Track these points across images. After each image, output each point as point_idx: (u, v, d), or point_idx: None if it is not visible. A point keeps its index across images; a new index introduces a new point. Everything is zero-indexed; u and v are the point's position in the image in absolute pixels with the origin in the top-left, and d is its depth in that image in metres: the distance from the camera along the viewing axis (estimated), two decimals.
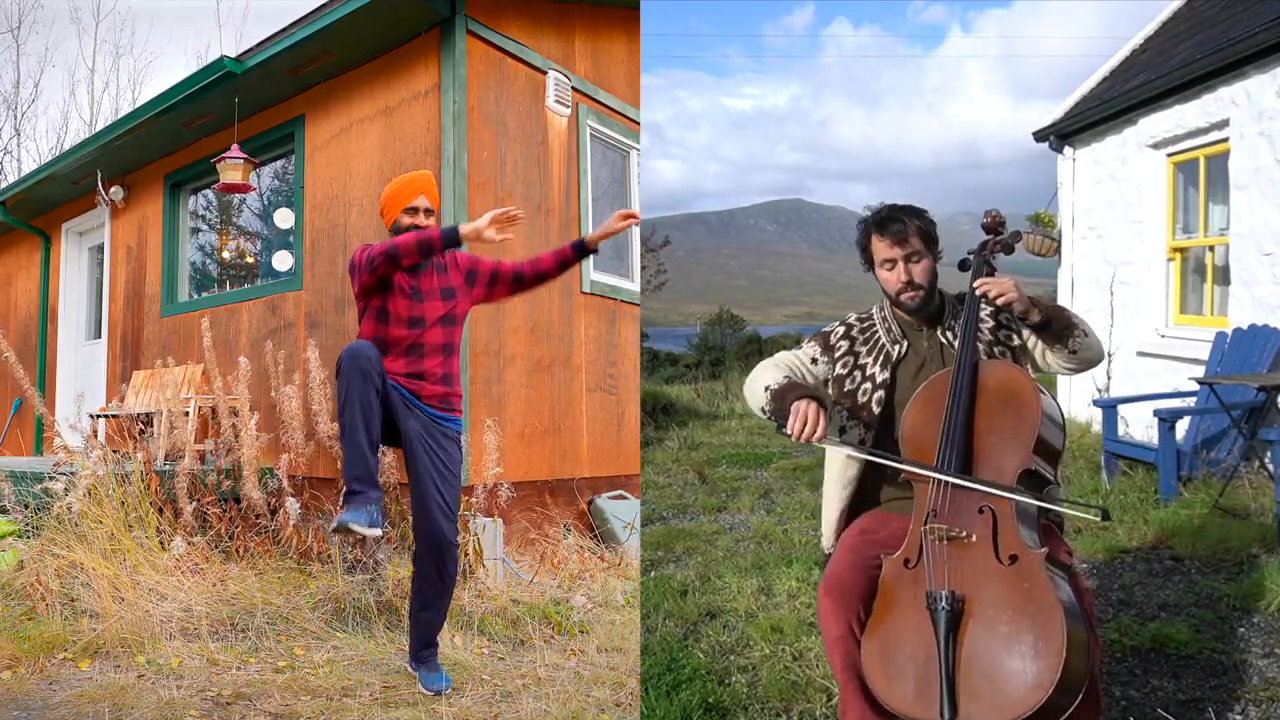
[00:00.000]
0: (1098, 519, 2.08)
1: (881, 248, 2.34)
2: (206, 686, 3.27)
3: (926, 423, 2.20)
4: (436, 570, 3.26)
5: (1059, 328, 2.25)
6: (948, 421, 2.14)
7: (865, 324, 2.46)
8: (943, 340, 2.38)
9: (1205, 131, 6.49)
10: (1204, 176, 6.68)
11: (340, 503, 3.10)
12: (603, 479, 6.25)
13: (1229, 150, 6.16)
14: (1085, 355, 2.27)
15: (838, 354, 2.44)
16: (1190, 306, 7.00)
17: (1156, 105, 6.84)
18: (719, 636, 3.35)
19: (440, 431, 3.30)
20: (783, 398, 2.21)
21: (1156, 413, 5.20)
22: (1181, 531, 4.34)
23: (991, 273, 2.35)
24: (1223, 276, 6.47)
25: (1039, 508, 2.13)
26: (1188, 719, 2.65)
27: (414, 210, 3.36)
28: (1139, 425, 6.35)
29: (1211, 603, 3.55)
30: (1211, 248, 6.68)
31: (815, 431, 2.12)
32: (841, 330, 2.47)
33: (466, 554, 4.31)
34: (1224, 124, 6.20)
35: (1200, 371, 5.91)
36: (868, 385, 2.37)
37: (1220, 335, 5.93)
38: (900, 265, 2.32)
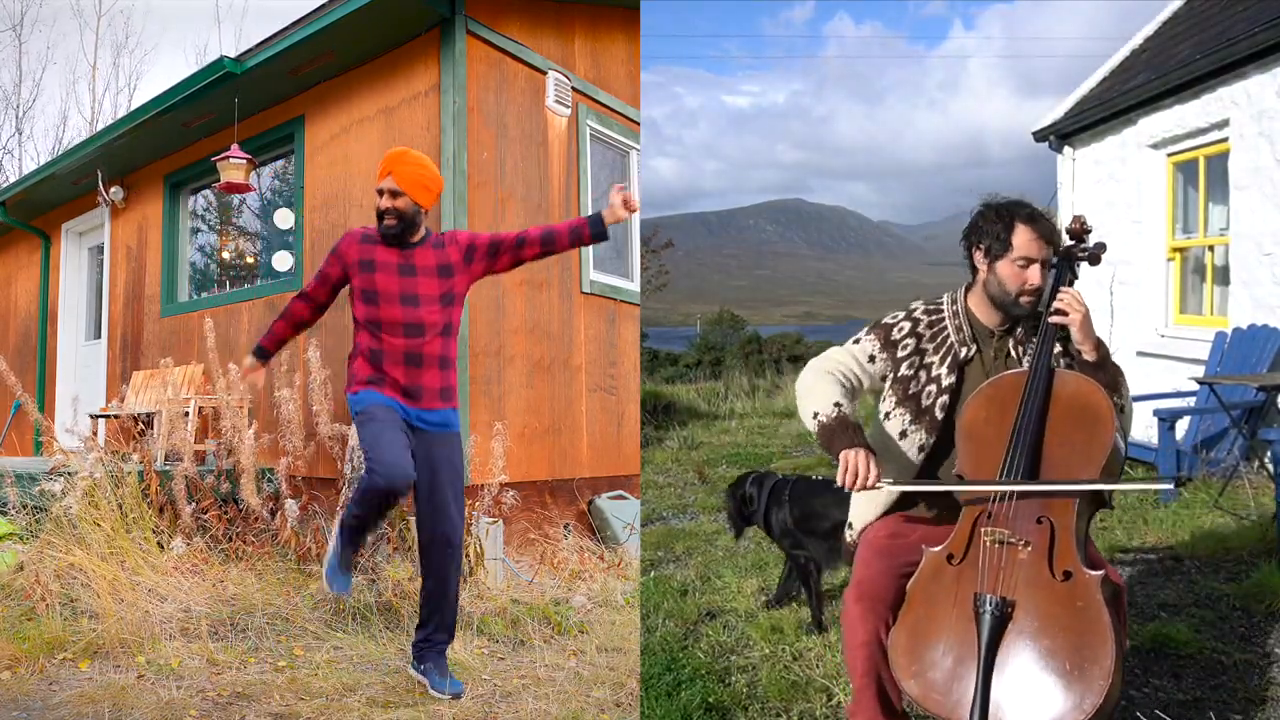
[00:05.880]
0: (1169, 485, 2.07)
1: (1031, 246, 2.19)
2: (206, 686, 3.27)
3: (989, 420, 2.10)
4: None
5: (1104, 380, 2.15)
6: (1019, 425, 2.05)
7: (934, 318, 2.32)
8: (1010, 351, 2.27)
9: (1205, 131, 6.49)
10: (1204, 176, 6.68)
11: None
12: (603, 479, 6.25)
13: (1229, 150, 6.16)
14: None
15: (901, 352, 2.30)
16: (1190, 306, 7.00)
17: (1156, 105, 6.84)
18: (719, 636, 3.35)
19: (440, 442, 3.23)
20: (830, 442, 2.11)
21: (1156, 412, 5.20)
22: (1181, 531, 4.35)
23: (1074, 281, 2.28)
24: (1222, 276, 6.46)
25: (1088, 530, 2.09)
26: (1188, 719, 2.65)
27: (380, 192, 3.25)
28: (1139, 425, 6.34)
29: (1211, 603, 3.55)
30: (1211, 248, 6.68)
31: (868, 479, 2.04)
32: (907, 326, 2.33)
33: (468, 555, 4.31)
34: (1224, 124, 6.20)
35: (1200, 371, 5.91)
36: (933, 388, 2.26)
37: (1220, 335, 5.93)
38: (1036, 268, 2.19)
